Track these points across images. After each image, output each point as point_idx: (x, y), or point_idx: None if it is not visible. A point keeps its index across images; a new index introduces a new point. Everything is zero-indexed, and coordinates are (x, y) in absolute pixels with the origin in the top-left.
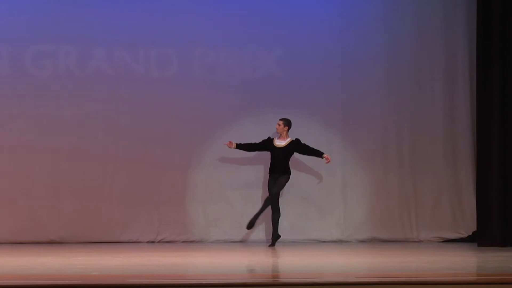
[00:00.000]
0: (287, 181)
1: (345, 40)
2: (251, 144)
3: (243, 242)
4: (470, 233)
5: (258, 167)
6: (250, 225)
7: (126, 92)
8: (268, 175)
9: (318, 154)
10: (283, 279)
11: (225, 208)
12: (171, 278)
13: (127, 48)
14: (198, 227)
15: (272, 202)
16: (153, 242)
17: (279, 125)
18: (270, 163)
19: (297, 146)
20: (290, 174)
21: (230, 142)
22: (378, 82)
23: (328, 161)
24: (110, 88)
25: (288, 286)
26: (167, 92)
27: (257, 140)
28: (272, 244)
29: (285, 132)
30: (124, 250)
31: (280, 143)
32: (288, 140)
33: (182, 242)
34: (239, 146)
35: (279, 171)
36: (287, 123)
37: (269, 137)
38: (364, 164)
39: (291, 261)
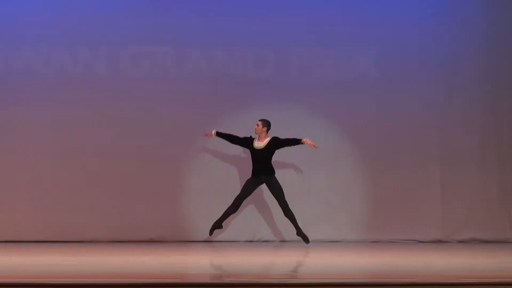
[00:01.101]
0: (278, 181)
1: (440, 39)
2: (231, 136)
3: (340, 242)
4: None
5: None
6: (214, 229)
7: (222, 92)
8: (251, 176)
9: (297, 141)
10: (386, 279)
11: (323, 208)
12: (263, 278)
13: (223, 49)
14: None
15: (286, 207)
16: (251, 241)
17: (258, 125)
18: (252, 164)
19: (275, 143)
20: (275, 173)
21: (207, 133)
22: (475, 81)
23: (313, 145)
24: (208, 87)
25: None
26: (264, 92)
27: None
28: (305, 241)
29: (264, 133)
30: (222, 249)
31: (259, 144)
32: (266, 141)
33: (280, 241)
34: (219, 134)
35: (263, 173)
36: (266, 123)
37: (251, 136)
38: (462, 164)
39: (391, 261)
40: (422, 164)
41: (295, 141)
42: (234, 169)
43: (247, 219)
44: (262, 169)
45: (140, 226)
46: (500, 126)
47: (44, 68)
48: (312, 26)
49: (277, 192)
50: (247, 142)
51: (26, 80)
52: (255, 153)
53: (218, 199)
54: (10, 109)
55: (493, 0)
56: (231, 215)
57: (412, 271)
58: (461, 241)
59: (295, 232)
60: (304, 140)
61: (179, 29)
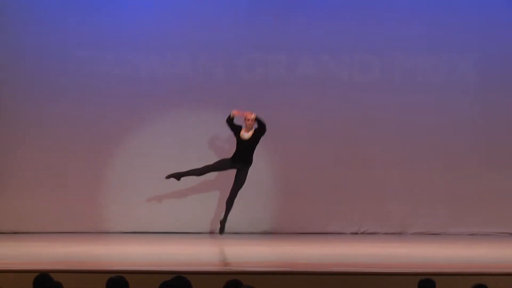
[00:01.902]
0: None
1: None
2: (232, 121)
3: (440, 234)
4: None
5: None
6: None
7: (330, 95)
8: (230, 158)
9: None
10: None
11: (420, 201)
12: (370, 267)
13: (331, 55)
14: (397, 220)
15: (234, 197)
16: (356, 233)
17: (250, 120)
18: (235, 151)
19: (257, 132)
20: (251, 164)
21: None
22: None
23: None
24: (315, 92)
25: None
26: (369, 96)
27: None
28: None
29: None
30: (328, 240)
31: (244, 135)
32: (251, 131)
33: (383, 234)
34: (235, 161)
35: (242, 162)
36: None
37: (241, 126)
38: None
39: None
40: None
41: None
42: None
43: (352, 211)
44: (242, 158)
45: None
46: None
47: (168, 73)
48: (415, 31)
49: (239, 182)
50: (236, 129)
51: (152, 85)
52: (241, 142)
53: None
54: (139, 110)
55: None
56: None
57: (506, 262)
58: None
59: (220, 219)
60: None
61: (290, 37)
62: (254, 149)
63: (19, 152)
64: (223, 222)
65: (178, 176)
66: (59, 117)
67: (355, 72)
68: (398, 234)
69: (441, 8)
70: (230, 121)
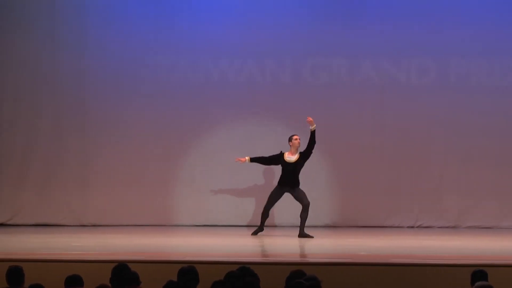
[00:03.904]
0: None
1: None
2: (263, 158)
3: (493, 228)
4: None
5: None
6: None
7: (389, 97)
8: (277, 185)
9: (312, 135)
10: None
11: (476, 197)
12: (426, 259)
13: (390, 59)
14: (452, 214)
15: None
16: (412, 227)
17: (297, 140)
18: (281, 176)
19: (304, 155)
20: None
21: (239, 159)
22: None
23: (310, 121)
24: (376, 94)
25: None
26: (426, 97)
27: None
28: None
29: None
30: (387, 233)
31: (290, 158)
32: (297, 155)
33: (438, 227)
34: (253, 160)
35: (289, 185)
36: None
37: (281, 151)
38: None
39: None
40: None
41: (312, 136)
42: None
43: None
44: (289, 181)
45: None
46: None
47: (237, 78)
48: (470, 36)
49: (300, 196)
50: (278, 159)
51: (221, 90)
52: (286, 166)
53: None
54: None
55: None
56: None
57: None
58: None
59: (298, 233)
60: (311, 127)
61: (351, 42)
62: (300, 170)
63: (101, 152)
64: (301, 233)
65: (259, 229)
66: (137, 119)
67: (413, 75)
68: (453, 228)
69: (492, 14)
70: (265, 160)
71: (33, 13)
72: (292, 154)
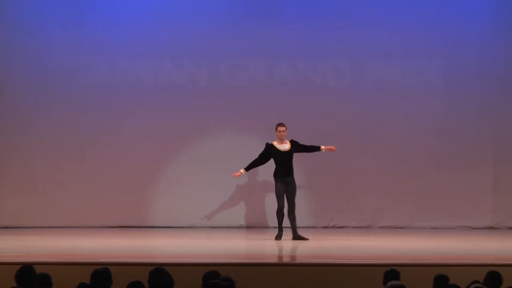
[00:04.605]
0: (295, 181)
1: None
2: (256, 160)
3: (406, 228)
4: None
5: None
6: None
7: (306, 99)
8: (276, 179)
9: (317, 148)
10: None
11: (390, 197)
12: (339, 259)
13: (306, 61)
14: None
15: (293, 208)
16: (326, 227)
17: (284, 131)
18: (277, 168)
19: (296, 146)
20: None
21: (235, 174)
22: None
23: (330, 149)
24: (292, 96)
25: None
26: (342, 99)
27: None
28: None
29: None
30: (301, 234)
31: (283, 147)
32: (288, 143)
33: (353, 227)
34: (248, 168)
35: (289, 174)
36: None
37: (267, 143)
38: None
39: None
40: (478, 160)
41: (316, 148)
42: None
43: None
44: (288, 171)
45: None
46: None
47: (154, 79)
48: (385, 38)
49: (292, 192)
50: (270, 152)
51: (138, 90)
52: (281, 156)
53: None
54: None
55: None
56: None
57: (465, 254)
58: (510, 228)
59: (291, 236)
60: (323, 147)
61: (267, 44)
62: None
63: (17, 155)
64: (296, 235)
65: (280, 231)
66: (52, 121)
67: (329, 77)
68: (366, 228)
69: (406, 16)
70: (259, 162)
71: None
72: (282, 143)
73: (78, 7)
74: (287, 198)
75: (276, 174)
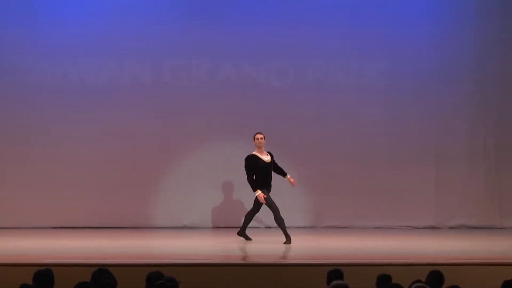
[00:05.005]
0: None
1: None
2: (255, 176)
3: (349, 228)
4: None
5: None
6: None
7: (250, 99)
8: (263, 190)
9: (283, 173)
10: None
11: (333, 197)
12: (283, 259)
13: (250, 61)
14: (310, 214)
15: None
16: (270, 227)
17: (262, 138)
18: (259, 179)
19: (273, 160)
20: None
21: (262, 200)
22: (466, 82)
23: (295, 185)
24: (236, 96)
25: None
26: (285, 99)
27: None
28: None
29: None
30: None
31: (266, 158)
32: (269, 155)
33: (296, 228)
34: (260, 186)
35: (270, 185)
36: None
37: (249, 156)
38: (454, 161)
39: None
40: (420, 160)
41: (282, 173)
42: None
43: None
44: (270, 181)
45: None
46: (487, 126)
47: (96, 79)
48: (327, 38)
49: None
50: (257, 163)
51: (81, 90)
52: (265, 167)
53: None
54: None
55: (484, 10)
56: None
57: (408, 253)
58: (451, 227)
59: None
60: (288, 176)
61: (212, 44)
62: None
63: None
64: (242, 232)
65: (287, 237)
66: None
67: (272, 77)
68: (310, 228)
69: (348, 16)
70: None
71: None
72: (262, 154)
73: (20, 7)
74: (268, 206)
75: (262, 185)
